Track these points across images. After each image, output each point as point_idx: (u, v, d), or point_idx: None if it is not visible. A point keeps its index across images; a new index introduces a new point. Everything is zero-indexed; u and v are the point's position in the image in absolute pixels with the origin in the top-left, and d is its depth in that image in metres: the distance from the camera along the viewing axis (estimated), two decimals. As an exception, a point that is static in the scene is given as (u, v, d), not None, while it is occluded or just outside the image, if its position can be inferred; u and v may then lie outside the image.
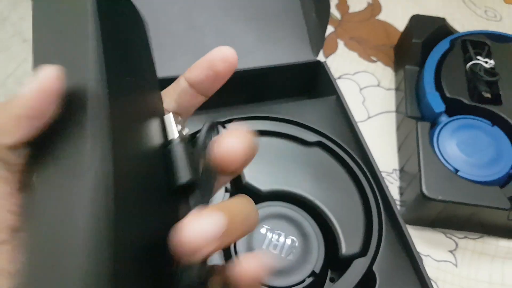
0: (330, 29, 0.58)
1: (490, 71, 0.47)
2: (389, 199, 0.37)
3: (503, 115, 0.44)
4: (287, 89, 0.46)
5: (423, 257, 0.41)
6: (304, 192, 0.37)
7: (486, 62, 0.48)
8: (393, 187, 0.46)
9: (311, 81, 0.46)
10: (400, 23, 0.58)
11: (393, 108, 0.51)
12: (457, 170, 0.41)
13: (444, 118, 0.45)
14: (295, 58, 0.44)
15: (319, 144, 0.41)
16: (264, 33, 0.45)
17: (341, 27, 0.58)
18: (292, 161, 0.40)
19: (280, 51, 0.44)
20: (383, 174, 0.45)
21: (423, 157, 0.42)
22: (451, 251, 0.42)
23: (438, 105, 0.45)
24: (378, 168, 0.39)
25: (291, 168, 0.39)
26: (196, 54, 0.53)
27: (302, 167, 0.39)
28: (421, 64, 0.50)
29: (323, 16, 0.43)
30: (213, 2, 0.46)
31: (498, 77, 0.47)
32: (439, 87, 0.46)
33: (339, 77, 0.53)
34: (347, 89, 0.52)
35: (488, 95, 0.46)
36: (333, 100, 0.44)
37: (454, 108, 0.45)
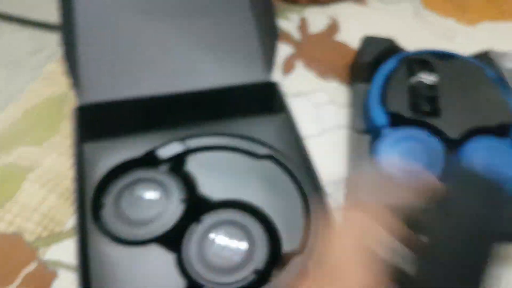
0: (290, 50, 0.64)
1: (431, 87, 0.53)
2: (327, 208, 0.43)
3: (440, 127, 0.50)
4: (242, 107, 0.51)
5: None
6: (252, 200, 0.43)
7: (428, 79, 0.53)
8: (340, 194, 0.50)
9: (265, 100, 0.51)
10: (356, 44, 0.64)
11: (346, 123, 0.57)
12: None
13: (386, 131, 0.50)
14: (249, 78, 0.50)
15: (269, 157, 0.47)
16: (220, 54, 0.51)
17: (301, 48, 0.64)
18: (243, 172, 0.45)
19: (235, 71, 0.50)
20: (332, 183, 0.51)
21: (363, 167, 0.47)
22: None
23: (380, 119, 0.51)
24: (319, 177, 0.44)
25: (242, 179, 0.45)
26: (143, 73, 0.58)
27: (252, 178, 0.45)
28: (370, 82, 0.56)
29: (272, 39, 0.49)
30: (167, 21, 0.51)
31: (437, 92, 0.52)
32: (383, 102, 0.52)
33: (296, 95, 0.59)
34: (303, 106, 0.58)
35: (427, 109, 0.51)
36: (284, 117, 0.50)
37: (396, 122, 0.51)
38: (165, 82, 0.49)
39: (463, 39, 0.66)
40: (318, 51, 0.64)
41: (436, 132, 0.50)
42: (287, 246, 0.41)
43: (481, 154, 0.48)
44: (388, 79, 0.54)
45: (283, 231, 0.42)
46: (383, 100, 0.53)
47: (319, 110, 0.58)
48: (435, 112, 0.52)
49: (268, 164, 0.47)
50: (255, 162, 0.47)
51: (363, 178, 0.47)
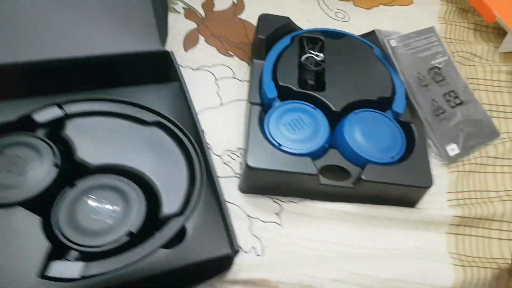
0: (193, 25, 0.64)
1: (319, 63, 0.56)
2: (212, 172, 0.44)
3: (324, 100, 0.53)
4: (134, 76, 0.50)
5: (252, 219, 0.49)
6: (133, 164, 0.43)
7: (317, 56, 0.56)
8: (236, 163, 0.52)
9: (158, 69, 0.51)
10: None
11: (245, 97, 0.59)
12: (280, 145, 0.49)
13: (277, 103, 0.52)
14: (141, 47, 0.49)
15: (157, 124, 0.47)
16: (114, 22, 0.50)
17: (204, 24, 0.65)
18: (127, 138, 0.45)
19: (130, 40, 0.49)
20: (230, 152, 0.53)
21: (251, 135, 0.49)
22: (276, 213, 0.49)
23: (271, 92, 0.53)
24: (207, 145, 0.45)
25: (127, 145, 0.45)
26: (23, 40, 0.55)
27: (137, 144, 0.45)
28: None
29: (164, 9, 0.49)
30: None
31: (322, 67, 0.55)
32: (274, 77, 0.54)
33: (197, 69, 0.60)
34: (205, 79, 0.59)
35: (313, 83, 0.54)
36: (177, 86, 0.50)
37: (285, 95, 0.53)
38: (48, 49, 0.47)
39: (360, 21, 0.70)
40: (222, 28, 0.65)
41: (321, 104, 0.53)
42: (167, 209, 0.42)
43: (361, 125, 0.51)
44: (280, 56, 0.56)
45: (165, 195, 0.42)
46: (275, 75, 0.54)
47: (221, 84, 0.59)
48: (321, 86, 0.55)
49: (156, 131, 0.47)
50: (141, 128, 0.46)
51: (250, 147, 0.48)
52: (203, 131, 0.46)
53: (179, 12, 0.66)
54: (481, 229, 0.51)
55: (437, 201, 0.52)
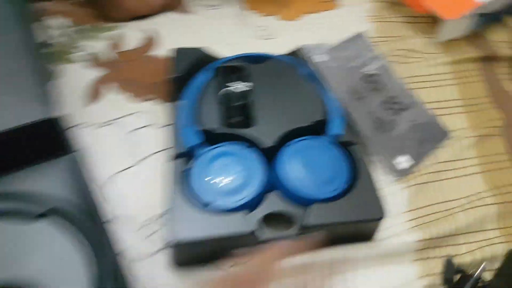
0: (99, 72, 0.57)
1: (243, 95, 0.50)
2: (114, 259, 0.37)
3: (254, 137, 0.47)
4: (21, 156, 0.43)
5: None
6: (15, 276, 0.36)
7: (243, 86, 0.51)
8: (163, 230, 0.45)
9: (45, 142, 0.43)
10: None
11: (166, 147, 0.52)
12: (207, 204, 0.43)
13: (200, 151, 0.47)
14: (20, 120, 0.41)
15: (49, 215, 0.40)
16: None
17: (112, 69, 0.58)
18: (9, 244, 0.38)
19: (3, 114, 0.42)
20: (152, 222, 0.46)
21: (172, 199, 0.43)
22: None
23: (191, 139, 0.47)
24: (108, 229, 0.39)
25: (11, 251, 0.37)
26: None
27: (24, 245, 0.38)
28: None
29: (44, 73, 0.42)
30: None
31: (250, 99, 0.50)
32: (194, 120, 0.48)
33: (106, 123, 0.52)
34: (115, 134, 0.52)
35: (239, 119, 0.48)
36: (73, 158, 0.43)
37: (211, 139, 0.47)
38: None
39: (285, 36, 0.64)
40: (133, 70, 0.58)
41: (251, 142, 0.47)
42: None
43: (297, 158, 0.46)
44: (199, 93, 0.50)
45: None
46: (194, 117, 0.48)
47: (137, 136, 0.52)
48: (248, 122, 0.49)
49: (45, 226, 0.39)
50: (26, 227, 0.39)
51: (178, 211, 0.42)
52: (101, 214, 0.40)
53: (81, 61, 0.57)
54: (449, 247, 0.47)
55: (396, 224, 0.47)
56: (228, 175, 0.44)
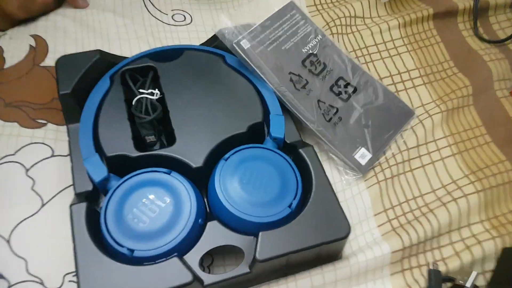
0: None
1: (155, 105, 0.40)
2: None
3: (177, 156, 0.37)
4: None
5: None
6: None
7: (153, 94, 0.40)
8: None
9: None
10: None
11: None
12: (128, 253, 0.33)
13: (114, 183, 0.37)
14: None
15: None
16: None
17: None
18: None
19: None
20: (66, 280, 0.36)
21: (79, 252, 0.33)
22: None
23: (98, 172, 0.36)
24: None
25: None
26: None
27: None
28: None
29: None
30: None
31: (166, 109, 0.39)
32: (98, 146, 0.38)
33: None
34: (9, 176, 0.41)
35: (154, 138, 0.38)
36: None
37: (123, 167, 0.37)
38: None
39: (204, 20, 0.54)
40: (21, 90, 0.46)
41: (177, 164, 0.37)
42: None
43: (237, 175, 0.36)
44: (98, 110, 0.39)
45: None
46: (97, 142, 0.38)
47: (37, 173, 0.41)
48: (167, 139, 0.40)
49: None
50: None
51: (91, 267, 0.33)
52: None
53: None
54: (430, 252, 0.39)
55: (366, 232, 0.40)
56: (151, 211, 0.34)
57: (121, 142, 0.38)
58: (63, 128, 0.43)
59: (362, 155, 0.42)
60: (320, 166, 0.38)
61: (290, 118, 0.42)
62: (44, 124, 0.44)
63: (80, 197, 0.36)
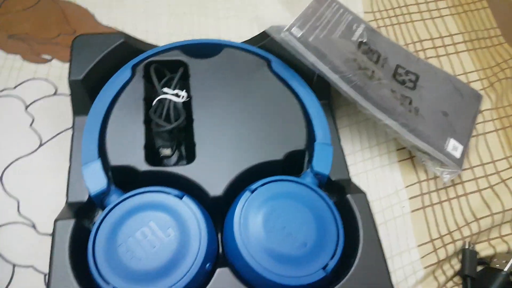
0: None
1: (179, 110, 0.32)
2: None
3: (192, 179, 0.30)
4: None
5: None
6: None
7: (178, 95, 0.34)
8: None
9: None
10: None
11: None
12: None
13: (113, 198, 0.30)
14: None
15: None
16: None
17: None
18: None
19: None
20: None
21: (53, 282, 0.26)
22: None
23: (96, 182, 0.30)
24: None
25: None
26: None
27: None
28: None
29: None
30: None
31: (191, 117, 0.33)
32: (102, 152, 0.31)
33: None
34: (7, 111, 0.38)
35: (169, 153, 0.32)
36: None
37: (127, 180, 0.30)
38: None
39: (245, 12, 0.47)
40: (26, 21, 0.43)
41: (191, 187, 0.31)
42: None
43: (262, 215, 0.29)
44: (113, 106, 0.33)
45: None
46: (102, 146, 0.32)
47: (36, 110, 0.38)
48: (186, 154, 0.33)
49: None
50: None
51: None
52: None
53: None
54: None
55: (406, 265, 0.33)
56: (150, 244, 0.28)
57: (130, 151, 0.31)
58: (68, 65, 0.37)
59: (454, 147, 0.35)
60: (372, 220, 0.30)
61: (339, 149, 0.34)
62: (49, 60, 0.41)
63: (70, 208, 0.30)
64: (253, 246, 0.28)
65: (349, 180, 0.33)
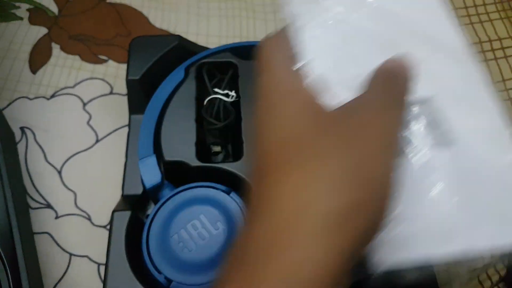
0: (42, 31, 0.45)
1: (229, 110, 0.35)
2: None
3: (241, 175, 0.32)
4: None
5: None
6: None
7: (228, 95, 0.35)
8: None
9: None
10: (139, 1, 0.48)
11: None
12: (170, 281, 0.28)
13: (166, 192, 0.32)
14: None
15: None
16: None
17: (58, 25, 0.46)
18: None
19: None
20: None
21: (111, 271, 0.29)
22: None
23: (150, 176, 0.32)
24: None
25: None
26: None
27: None
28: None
29: None
30: None
31: (240, 117, 0.34)
32: (157, 148, 0.33)
33: (54, 95, 0.42)
34: (66, 109, 0.41)
35: (218, 149, 0.33)
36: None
37: (179, 176, 0.32)
38: None
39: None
40: (85, 24, 0.46)
41: (238, 183, 0.32)
42: None
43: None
44: (167, 105, 0.35)
45: None
46: (157, 142, 0.33)
47: (94, 109, 0.41)
48: (237, 150, 0.34)
49: None
50: None
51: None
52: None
53: (21, 18, 0.46)
54: None
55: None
56: (200, 236, 0.30)
57: (182, 147, 0.33)
58: (124, 66, 0.40)
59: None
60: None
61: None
62: (105, 61, 0.44)
63: (126, 201, 0.33)
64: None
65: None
